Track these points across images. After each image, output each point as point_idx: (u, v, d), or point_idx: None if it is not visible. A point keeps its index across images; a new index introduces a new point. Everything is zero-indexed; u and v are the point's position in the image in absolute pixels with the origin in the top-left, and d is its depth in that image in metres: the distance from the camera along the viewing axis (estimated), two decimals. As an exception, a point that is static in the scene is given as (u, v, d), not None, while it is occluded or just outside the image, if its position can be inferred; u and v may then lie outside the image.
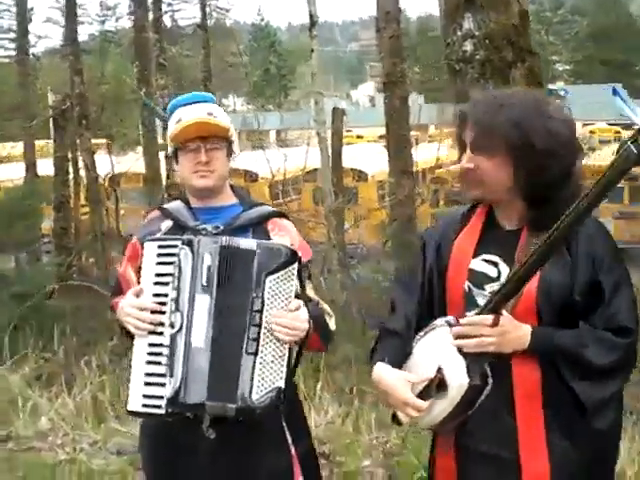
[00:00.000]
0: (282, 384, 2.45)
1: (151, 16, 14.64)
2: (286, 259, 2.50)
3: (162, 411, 2.43)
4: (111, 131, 16.24)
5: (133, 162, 13.71)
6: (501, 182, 2.29)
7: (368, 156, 21.12)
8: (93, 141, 14.02)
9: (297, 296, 2.54)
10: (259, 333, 2.45)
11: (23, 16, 15.84)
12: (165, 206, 2.80)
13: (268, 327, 2.46)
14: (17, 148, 17.17)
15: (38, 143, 17.46)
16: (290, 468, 2.64)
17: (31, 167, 13.95)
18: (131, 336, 2.54)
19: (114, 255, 11.82)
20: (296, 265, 2.52)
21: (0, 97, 19.58)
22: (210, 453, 2.54)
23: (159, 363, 2.46)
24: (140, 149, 13.78)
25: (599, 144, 29.49)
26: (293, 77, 61.49)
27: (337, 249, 9.47)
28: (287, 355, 2.49)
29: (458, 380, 2.22)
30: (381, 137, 25.70)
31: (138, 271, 2.60)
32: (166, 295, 2.48)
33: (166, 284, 2.49)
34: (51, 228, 13.13)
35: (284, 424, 2.64)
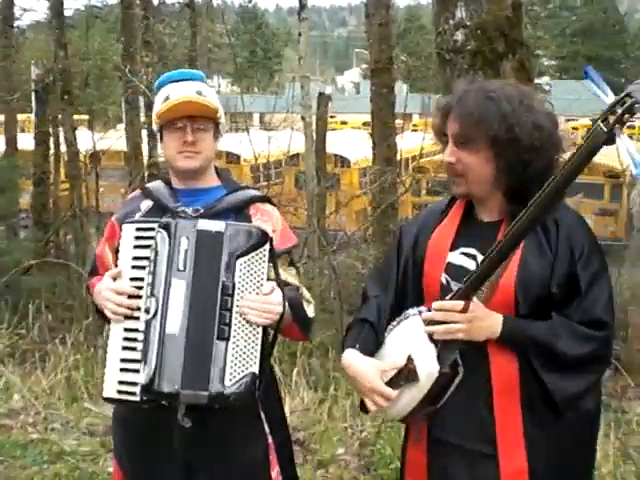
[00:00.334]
0: (256, 369, 2.40)
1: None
2: (256, 241, 2.45)
3: (137, 398, 2.38)
4: (93, 107, 16.07)
5: (115, 139, 13.57)
6: (484, 176, 2.27)
7: (351, 143, 21.09)
8: (75, 117, 13.88)
9: (271, 279, 2.49)
10: (231, 318, 2.40)
11: (9, -13, 15.63)
12: (146, 185, 2.74)
13: (240, 311, 2.41)
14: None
15: (19, 117, 17.29)
16: (266, 458, 2.61)
17: (11, 141, 13.78)
18: (106, 319, 2.49)
19: (92, 232, 11.71)
20: (267, 247, 2.46)
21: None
22: (185, 442, 2.49)
23: (134, 349, 2.41)
24: (122, 127, 13.64)
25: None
26: (279, 60, 61.26)
27: (317, 235, 9.43)
28: (261, 340, 2.43)
29: (428, 368, 2.21)
30: (365, 124, 25.69)
31: (116, 252, 2.54)
32: (143, 279, 2.43)
33: (143, 268, 2.44)
34: (30, 203, 13.01)
35: (261, 413, 2.60)
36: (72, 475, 4.61)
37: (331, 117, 26.56)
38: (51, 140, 13.26)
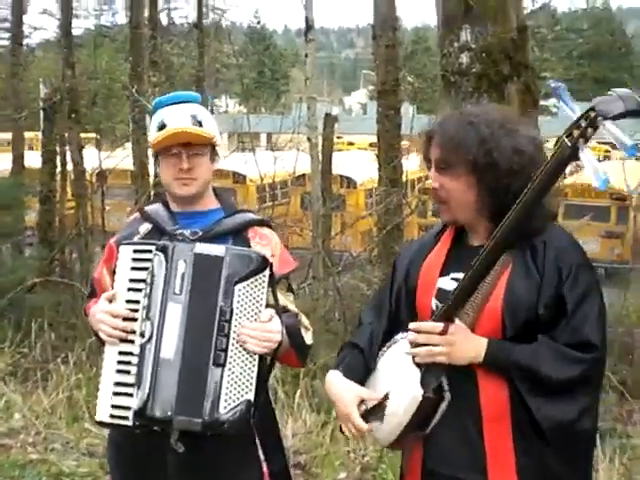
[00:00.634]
0: (252, 397, 2.37)
1: (147, 12, 14.60)
2: (256, 266, 2.42)
3: (129, 423, 2.35)
4: (101, 126, 16.11)
5: (121, 159, 13.59)
6: (466, 202, 2.26)
7: (358, 164, 21.08)
8: (82, 135, 13.92)
9: (270, 305, 2.46)
10: (227, 344, 2.37)
11: (19, 6, 15.73)
12: (145, 208, 2.72)
13: (237, 337, 2.38)
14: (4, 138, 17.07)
15: (27, 135, 17.35)
16: None
17: (18, 159, 13.81)
18: (102, 341, 2.46)
19: (97, 251, 11.70)
20: (267, 272, 2.43)
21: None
22: (178, 467, 2.46)
23: (128, 372, 2.38)
24: (129, 146, 13.67)
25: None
26: (286, 81, 61.47)
27: (322, 256, 9.40)
28: (257, 366, 2.40)
29: (411, 392, 2.19)
30: (372, 145, 25.70)
31: (113, 274, 2.51)
32: (139, 302, 2.40)
33: (140, 290, 2.41)
34: (36, 221, 13.02)
35: (257, 440, 2.56)
36: (69, 497, 4.58)
37: (338, 138, 26.57)
38: (58, 158, 13.28)
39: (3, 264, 11.62)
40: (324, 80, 60.05)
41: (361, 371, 2.35)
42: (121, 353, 2.41)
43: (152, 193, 11.08)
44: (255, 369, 2.39)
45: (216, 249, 2.42)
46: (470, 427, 2.20)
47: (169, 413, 2.32)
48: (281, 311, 2.50)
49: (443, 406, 2.21)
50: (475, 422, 2.20)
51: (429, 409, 2.20)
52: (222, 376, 2.35)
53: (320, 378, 6.92)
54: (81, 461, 5.07)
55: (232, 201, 2.83)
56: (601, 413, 6.01)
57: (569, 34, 59.18)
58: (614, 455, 5.03)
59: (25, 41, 16.71)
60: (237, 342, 2.38)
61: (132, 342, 2.39)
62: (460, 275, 2.26)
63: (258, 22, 70.58)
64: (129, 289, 2.44)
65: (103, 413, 2.41)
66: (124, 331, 2.40)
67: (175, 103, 2.63)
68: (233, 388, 2.35)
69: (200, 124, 2.58)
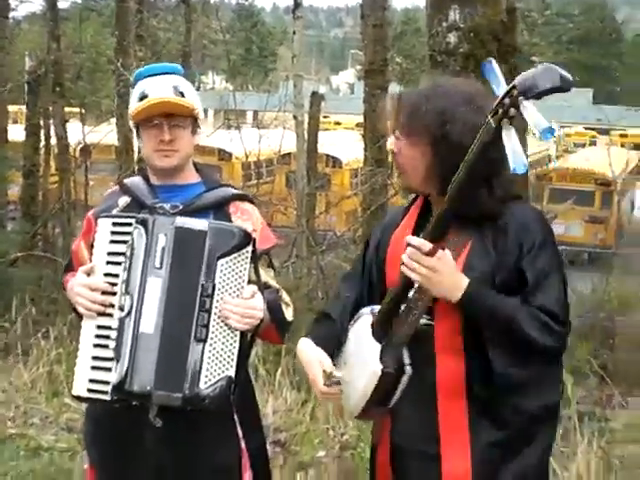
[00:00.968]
0: (232, 373, 2.35)
1: (134, -14, 14.45)
2: (239, 241, 2.39)
3: (107, 397, 2.33)
4: (85, 101, 15.96)
5: (105, 134, 13.49)
6: (417, 170, 2.25)
7: (344, 143, 21.05)
8: (67, 110, 13.80)
9: (252, 281, 2.44)
10: (209, 319, 2.35)
11: (5, -22, 15.53)
12: (124, 181, 2.68)
13: (219, 313, 2.36)
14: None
15: (11, 108, 17.18)
16: (238, 462, 2.56)
17: (2, 132, 13.68)
18: (81, 316, 2.43)
19: (80, 226, 11.63)
20: (250, 248, 2.41)
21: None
22: (156, 442, 2.44)
23: (106, 347, 2.35)
24: (114, 121, 13.56)
25: (574, 147, 29.69)
26: (274, 59, 61.19)
27: (306, 234, 9.38)
28: (239, 342, 2.38)
29: (371, 367, 2.19)
30: (358, 125, 25.65)
31: (91, 247, 2.48)
32: (118, 275, 2.37)
33: (118, 264, 2.38)
34: (19, 195, 12.93)
35: (235, 417, 2.55)
36: (47, 471, 4.57)
37: (325, 117, 26.55)
38: (42, 132, 13.17)
39: (-15, 238, 11.54)
40: (312, 59, 59.82)
41: (332, 341, 2.36)
42: (99, 327, 2.38)
43: (136, 169, 11.02)
44: (237, 345, 2.37)
45: (198, 223, 2.39)
46: (427, 400, 2.21)
47: (148, 388, 2.30)
48: (263, 287, 2.48)
49: (403, 380, 2.21)
50: (431, 397, 2.21)
51: (389, 384, 2.20)
52: (203, 351, 2.33)
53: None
54: (60, 436, 5.07)
55: (213, 175, 2.80)
56: (581, 397, 6.07)
57: (559, 19, 59.16)
58: (592, 438, 5.06)
59: (11, 14, 16.48)
60: (219, 318, 2.35)
61: (110, 316, 2.36)
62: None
63: (246, -1, 70.13)
64: (108, 262, 2.40)
65: (80, 387, 2.39)
66: (102, 305, 2.37)
67: (156, 74, 2.59)
68: (214, 364, 2.33)
69: (182, 95, 2.55)
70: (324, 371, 2.28)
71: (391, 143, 2.30)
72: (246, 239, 2.41)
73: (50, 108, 13.04)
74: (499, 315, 2.12)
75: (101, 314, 2.38)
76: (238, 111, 12.45)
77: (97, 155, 15.50)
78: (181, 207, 2.49)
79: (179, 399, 2.31)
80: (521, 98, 1.92)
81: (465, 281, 2.14)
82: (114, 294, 2.37)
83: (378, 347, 2.21)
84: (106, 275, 2.40)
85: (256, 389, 2.87)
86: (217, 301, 2.36)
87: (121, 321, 2.34)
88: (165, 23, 18.79)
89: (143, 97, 2.53)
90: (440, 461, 2.19)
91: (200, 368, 2.32)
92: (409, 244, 2.15)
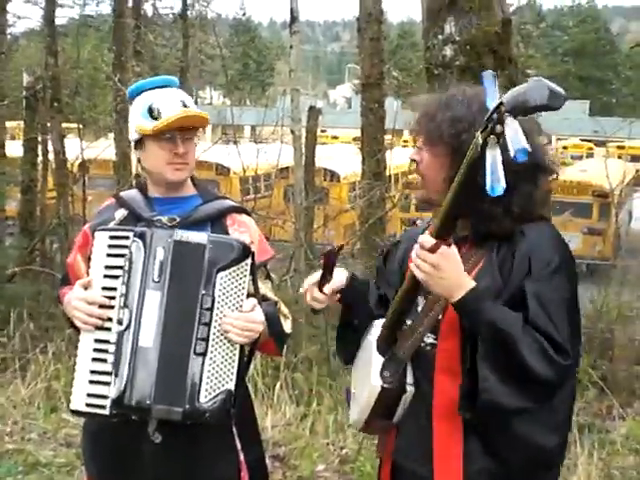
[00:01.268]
0: (232, 386, 2.34)
1: (131, 2, 14.51)
2: (238, 254, 2.38)
3: (106, 412, 2.32)
4: (84, 116, 15.99)
5: (103, 149, 13.51)
6: (436, 182, 2.22)
7: (342, 157, 21.08)
8: (64, 125, 13.82)
9: (250, 294, 2.44)
10: (209, 332, 2.34)
11: (2, -6, 15.58)
12: (120, 194, 2.68)
13: (218, 327, 2.35)
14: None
15: (10, 124, 17.18)
16: (237, 475, 2.55)
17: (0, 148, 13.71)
18: (78, 330, 2.42)
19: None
20: (249, 261, 2.40)
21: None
22: (155, 456, 2.43)
23: (105, 361, 2.34)
24: (111, 136, 13.58)
25: (571, 159, 29.72)
26: (271, 73, 61.36)
27: (305, 248, 9.38)
28: (238, 356, 2.37)
29: (371, 382, 2.19)
30: (356, 139, 25.70)
31: (88, 260, 2.47)
32: (116, 289, 2.36)
33: (116, 277, 2.37)
34: (17, 210, 12.93)
35: (234, 429, 2.54)
36: (45, 486, 4.55)
37: (322, 131, 26.58)
38: (40, 148, 13.19)
39: (-17, 253, 11.53)
40: (309, 74, 60.00)
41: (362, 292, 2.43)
42: (97, 341, 2.37)
43: (134, 183, 11.02)
44: (236, 359, 2.37)
45: (197, 236, 2.39)
46: (424, 423, 2.17)
47: (148, 402, 2.29)
48: (261, 299, 2.48)
49: (405, 398, 2.19)
50: (428, 418, 2.17)
51: (389, 400, 2.20)
52: (203, 365, 2.32)
53: (300, 370, 6.92)
54: (58, 451, 5.05)
55: (209, 188, 2.80)
56: (581, 408, 6.06)
57: (554, 31, 59.45)
58: (593, 450, 5.05)
59: (9, 30, 16.52)
60: (219, 331, 2.35)
61: (108, 330, 2.36)
62: None
63: (244, 14, 70.44)
64: (105, 276, 2.40)
65: (79, 402, 2.38)
66: (100, 318, 2.36)
67: (158, 87, 2.59)
68: (214, 377, 2.33)
69: (187, 109, 2.56)
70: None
71: (414, 152, 2.27)
72: (245, 252, 2.41)
73: (48, 124, 13.07)
74: (497, 327, 2.01)
75: (99, 328, 2.37)
76: (236, 126, 12.46)
77: (95, 170, 15.48)
78: (178, 220, 2.48)
79: (179, 413, 2.30)
80: (506, 114, 1.85)
81: (470, 283, 2.07)
82: (112, 308, 2.36)
83: (380, 361, 2.20)
84: (104, 289, 2.39)
85: (255, 403, 2.86)
86: (217, 314, 2.35)
87: (120, 335, 2.33)
88: (162, 39, 18.86)
89: (153, 110, 2.51)
90: None
91: (200, 382, 2.31)
92: (420, 242, 2.10)
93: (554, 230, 2.22)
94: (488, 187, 1.84)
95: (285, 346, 2.69)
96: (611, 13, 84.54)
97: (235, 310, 2.37)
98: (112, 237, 2.42)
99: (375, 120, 10.67)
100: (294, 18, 9.72)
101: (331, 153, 21.40)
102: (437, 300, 2.17)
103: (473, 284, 2.07)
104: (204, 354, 2.33)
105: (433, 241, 2.04)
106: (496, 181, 1.83)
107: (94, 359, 2.37)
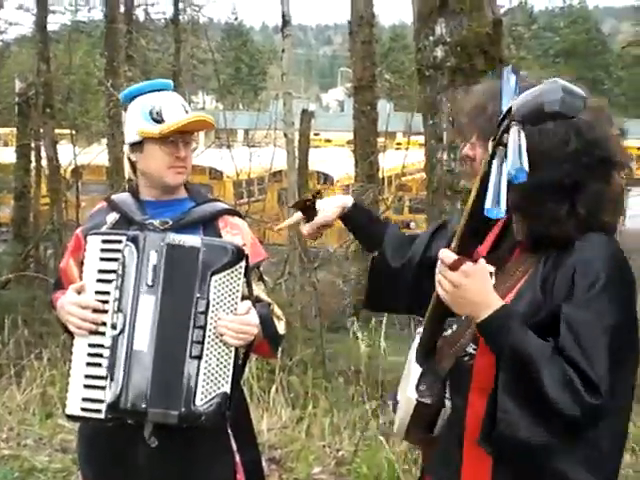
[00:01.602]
0: (228, 389, 2.34)
1: (123, 8, 14.51)
2: (232, 257, 2.37)
3: (102, 416, 2.31)
4: (76, 122, 15.99)
5: (96, 154, 13.51)
6: None
7: (335, 160, 21.11)
8: (57, 131, 13.82)
9: (245, 297, 2.43)
10: (204, 335, 2.33)
11: (-7, 1, 15.59)
12: (112, 197, 2.67)
13: (214, 329, 2.35)
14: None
15: (2, 131, 17.21)
16: (233, 478, 2.55)
17: (-8, 154, 13.71)
18: (72, 334, 2.42)
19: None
20: (243, 264, 2.39)
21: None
22: (150, 460, 2.43)
23: (99, 365, 2.33)
24: (104, 141, 13.59)
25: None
26: (264, 77, 61.34)
27: (299, 251, 9.38)
28: (233, 358, 2.37)
29: (407, 394, 2.14)
30: (349, 142, 25.75)
31: (81, 265, 2.46)
32: (109, 293, 2.36)
33: (109, 281, 2.36)
34: (10, 217, 12.93)
35: (229, 431, 2.54)
36: (41, 492, 4.55)
37: (315, 135, 26.61)
38: (32, 154, 13.20)
39: (-24, 260, 11.53)
40: (301, 77, 60.02)
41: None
42: (91, 345, 2.37)
43: (127, 188, 11.02)
44: (232, 361, 2.37)
45: (191, 240, 2.38)
46: (455, 444, 2.04)
47: (144, 405, 2.28)
48: (255, 301, 2.48)
49: (443, 414, 2.10)
50: (459, 439, 2.02)
51: (427, 413, 2.11)
52: (198, 368, 2.31)
53: (295, 373, 6.93)
54: (54, 457, 5.03)
55: (201, 191, 2.79)
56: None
57: (546, 32, 59.56)
58: None
59: (1, 36, 16.57)
60: (214, 334, 2.34)
61: (103, 334, 2.35)
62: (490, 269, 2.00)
63: (235, 18, 70.44)
64: (98, 280, 2.39)
65: (74, 406, 2.37)
66: (94, 323, 2.36)
67: (155, 90, 2.58)
68: (210, 380, 2.32)
69: (187, 112, 2.56)
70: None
71: (467, 148, 2.11)
72: (239, 255, 2.40)
73: (40, 130, 13.08)
74: (520, 352, 1.81)
75: (93, 332, 2.36)
76: (229, 130, 12.48)
77: (88, 176, 15.49)
78: (171, 223, 2.48)
79: (175, 417, 2.29)
80: (514, 122, 1.67)
81: (498, 302, 1.87)
82: (105, 312, 2.36)
83: (418, 372, 2.11)
84: (97, 293, 2.38)
85: (250, 406, 2.86)
86: (211, 317, 2.35)
87: (114, 339, 2.32)
88: (154, 43, 18.86)
89: (157, 113, 2.50)
90: None
91: (196, 385, 2.30)
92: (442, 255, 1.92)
93: (611, 243, 1.94)
94: (485, 207, 1.66)
95: (279, 348, 2.68)
96: (602, 14, 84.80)
97: (230, 313, 2.37)
98: (105, 241, 2.42)
99: (368, 123, 10.71)
100: (286, 22, 9.73)
101: (324, 156, 21.41)
102: None
103: (501, 303, 1.88)
104: (199, 357, 2.32)
105: (454, 257, 1.87)
106: (494, 203, 1.65)
107: (89, 364, 2.36)
